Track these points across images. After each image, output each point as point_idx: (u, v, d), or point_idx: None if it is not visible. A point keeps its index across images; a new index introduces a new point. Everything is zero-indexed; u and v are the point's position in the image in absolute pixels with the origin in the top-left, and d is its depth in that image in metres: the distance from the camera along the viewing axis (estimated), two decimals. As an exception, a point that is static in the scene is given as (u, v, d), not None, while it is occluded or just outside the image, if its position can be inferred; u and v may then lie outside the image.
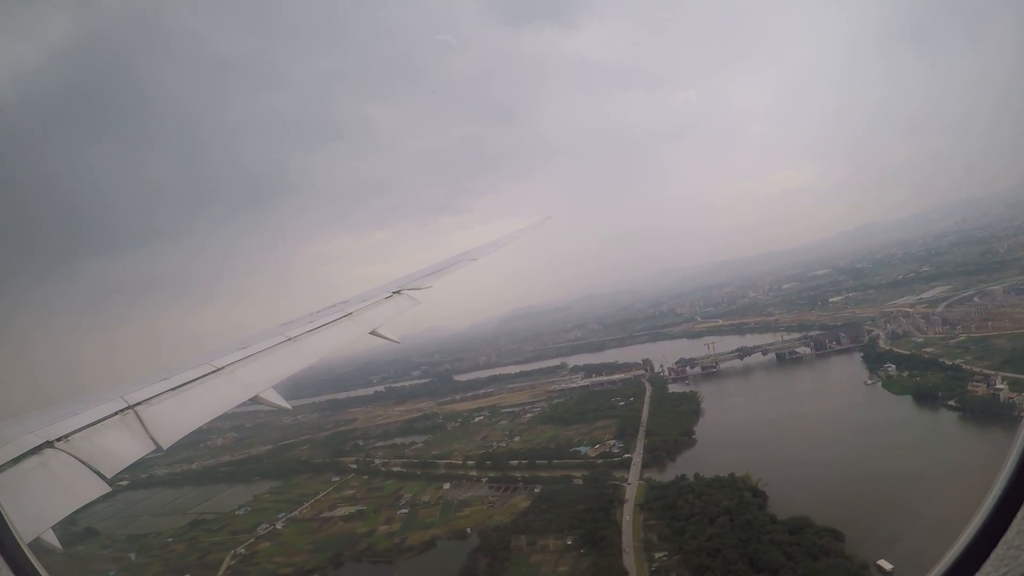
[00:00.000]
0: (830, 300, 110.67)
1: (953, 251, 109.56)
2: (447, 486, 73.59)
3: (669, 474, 61.47)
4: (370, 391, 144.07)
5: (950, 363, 69.81)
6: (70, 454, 4.42)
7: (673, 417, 75.02)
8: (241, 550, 70.62)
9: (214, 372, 6.78)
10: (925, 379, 68.24)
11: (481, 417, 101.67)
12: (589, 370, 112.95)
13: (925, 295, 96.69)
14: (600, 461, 68.93)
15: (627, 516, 55.35)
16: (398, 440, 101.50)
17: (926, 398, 64.49)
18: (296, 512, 78.61)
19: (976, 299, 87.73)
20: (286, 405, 6.93)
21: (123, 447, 4.99)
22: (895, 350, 77.30)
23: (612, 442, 73.19)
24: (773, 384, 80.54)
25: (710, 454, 62.33)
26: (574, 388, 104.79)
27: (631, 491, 60.17)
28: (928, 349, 76.16)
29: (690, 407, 77.29)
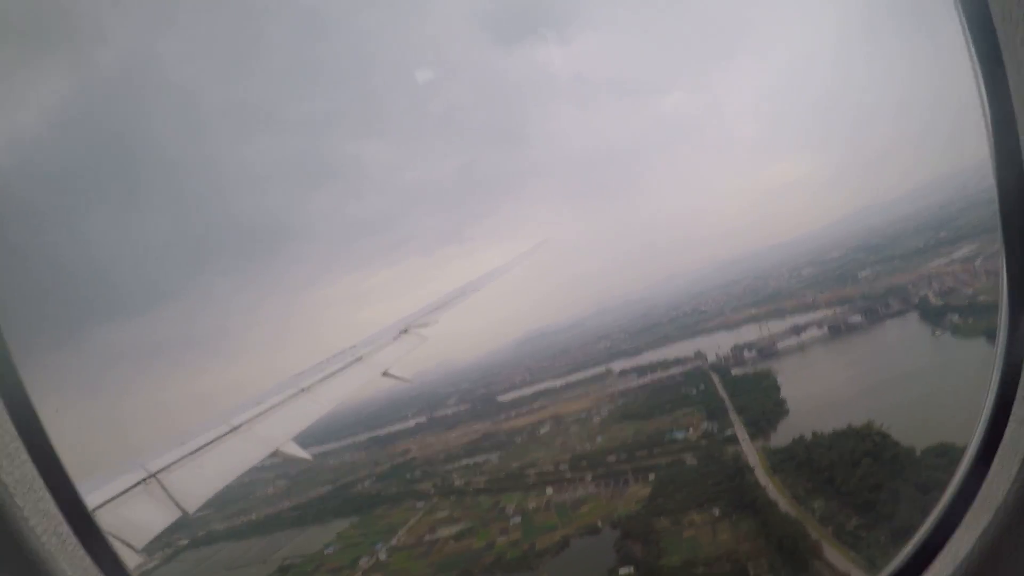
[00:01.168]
0: (859, 275, 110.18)
1: (964, 215, 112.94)
2: (550, 491, 72.77)
3: (778, 441, 62.29)
4: (410, 424, 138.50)
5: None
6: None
7: (755, 394, 75.15)
8: None
9: (231, 431, 7.08)
10: (991, 321, 69.56)
11: (547, 428, 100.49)
12: (639, 371, 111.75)
13: (955, 255, 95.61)
14: (703, 442, 69.05)
15: (762, 480, 56.60)
16: (466, 461, 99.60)
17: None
18: (394, 541, 76.14)
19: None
20: (306, 456, 7.33)
21: (150, 516, 5.13)
22: (951, 303, 78.54)
23: (705, 424, 73.12)
24: (838, 352, 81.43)
25: (809, 418, 62.12)
26: (634, 388, 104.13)
27: (752, 460, 60.47)
28: (982, 297, 75.16)
29: (767, 383, 77.46)
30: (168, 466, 5.83)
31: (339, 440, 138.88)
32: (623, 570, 50.65)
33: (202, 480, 5.90)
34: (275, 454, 6.98)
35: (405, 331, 11.32)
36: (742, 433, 65.76)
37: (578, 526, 61.41)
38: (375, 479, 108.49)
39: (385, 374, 9.66)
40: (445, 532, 72.00)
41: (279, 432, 7.36)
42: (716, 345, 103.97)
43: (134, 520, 4.77)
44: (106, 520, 4.55)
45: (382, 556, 71.76)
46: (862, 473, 49.18)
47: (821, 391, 68.78)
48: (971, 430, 2.92)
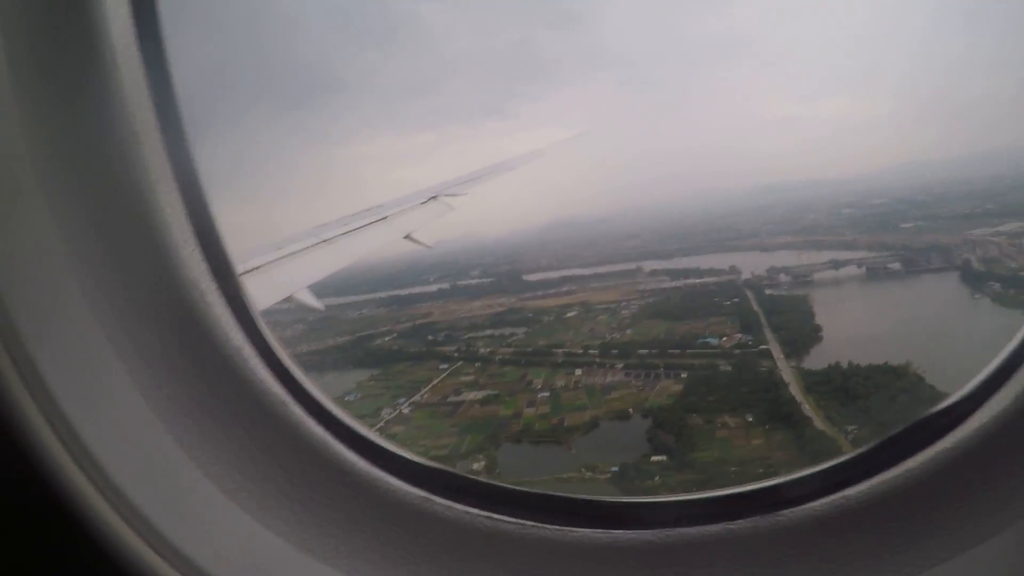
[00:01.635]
0: (900, 226, 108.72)
1: (1014, 193, 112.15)
2: (579, 372, 73.52)
3: (812, 364, 62.70)
4: (432, 288, 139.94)
5: (1061, 283, 70.41)
6: None
7: (790, 315, 76.30)
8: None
9: (248, 272, 7.22)
10: None
11: (575, 312, 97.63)
12: (671, 274, 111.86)
13: (1002, 228, 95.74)
14: (737, 351, 70.54)
15: (797, 397, 59.10)
16: (491, 331, 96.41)
17: (1042, 307, 66.67)
18: (418, 397, 73.43)
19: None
20: (319, 306, 7.67)
21: None
22: (994, 271, 78.98)
23: (739, 336, 74.31)
24: (875, 295, 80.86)
25: (843, 349, 63.51)
26: (666, 288, 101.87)
27: (787, 377, 61.43)
28: None
29: (803, 307, 78.20)
30: None
31: (358, 294, 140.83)
32: (656, 457, 52.77)
33: None
34: (288, 300, 7.37)
35: (434, 198, 11.86)
36: (776, 351, 66.75)
37: (608, 410, 63.28)
38: (396, 336, 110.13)
39: (407, 237, 10.13)
40: (470, 396, 71.88)
41: (295, 279, 7.73)
42: (750, 264, 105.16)
43: None
44: None
45: (405, 411, 70.44)
46: (898, 408, 51.44)
47: (855, 326, 70.20)
48: None
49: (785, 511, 2.70)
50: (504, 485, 2.84)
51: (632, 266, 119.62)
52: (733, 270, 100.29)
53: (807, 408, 55.08)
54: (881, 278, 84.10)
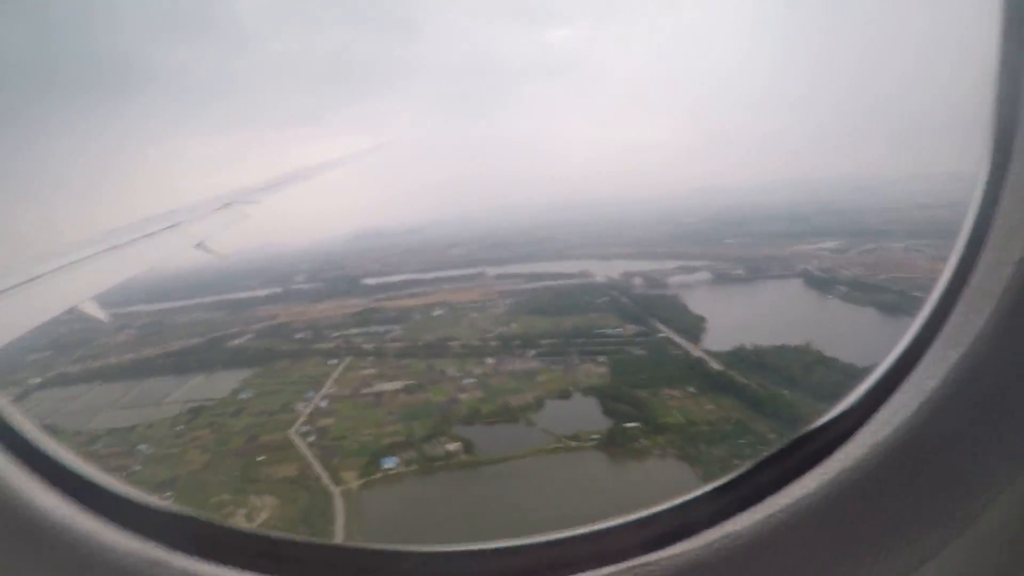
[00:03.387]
0: (724, 241, 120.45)
1: (818, 216, 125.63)
2: (491, 360, 76.45)
3: (717, 348, 69.99)
4: (260, 293, 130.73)
5: (896, 289, 77.66)
6: None
7: (669, 310, 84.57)
8: (300, 428, 64.78)
9: (30, 281, 6.78)
10: (881, 297, 76.59)
11: (441, 312, 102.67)
12: (524, 278, 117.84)
13: (824, 245, 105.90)
14: (640, 339, 76.64)
15: (720, 370, 64.37)
16: (359, 329, 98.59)
17: (889, 308, 73.38)
18: (327, 390, 74.63)
19: (879, 252, 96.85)
20: (103, 317, 7.22)
21: None
22: (836, 278, 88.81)
23: (631, 326, 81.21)
24: (734, 296, 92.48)
25: (734, 335, 71.20)
26: (525, 289, 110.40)
27: (701, 356, 68.91)
28: (866, 280, 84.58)
29: (678, 304, 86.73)
30: None
31: (175, 301, 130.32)
32: (629, 424, 56.88)
33: None
34: (72, 311, 6.81)
35: (228, 205, 11.40)
36: (677, 337, 74.79)
37: (544, 391, 65.97)
38: (254, 336, 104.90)
39: (199, 246, 9.69)
40: (387, 386, 72.81)
41: (82, 288, 7.22)
42: (592, 270, 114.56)
43: None
44: None
45: (321, 404, 71.20)
46: (819, 377, 60.13)
47: (731, 319, 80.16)
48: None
49: (664, 551, 2.42)
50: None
51: (474, 271, 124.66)
52: (585, 273, 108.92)
53: (738, 378, 62.25)
54: (729, 282, 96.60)
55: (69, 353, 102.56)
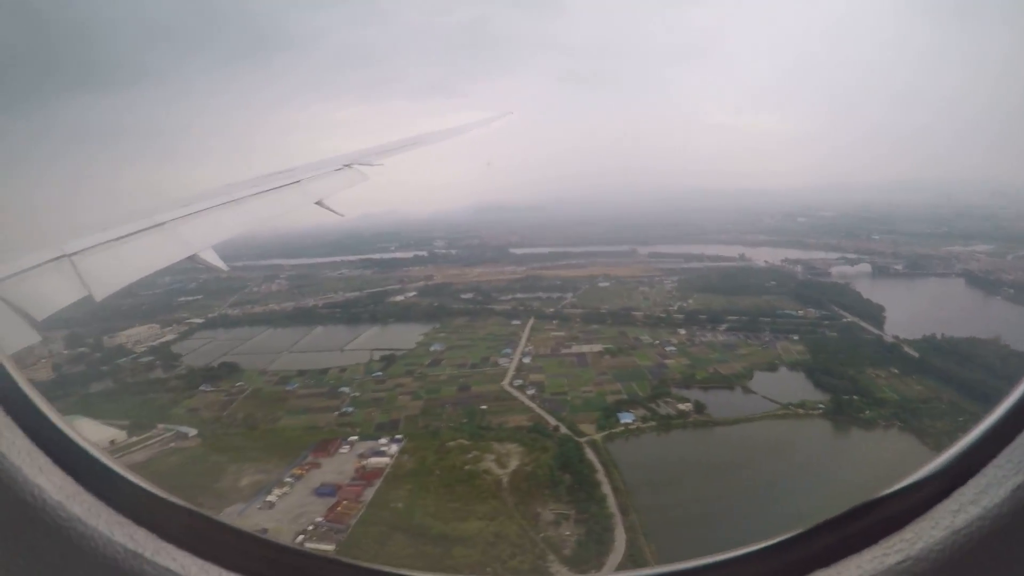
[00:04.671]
0: (872, 237, 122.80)
1: (959, 220, 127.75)
2: (683, 331, 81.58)
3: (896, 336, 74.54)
4: (407, 255, 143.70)
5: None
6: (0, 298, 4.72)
7: (845, 298, 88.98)
8: (514, 381, 69.60)
9: (154, 227, 7.17)
10: None
11: (607, 284, 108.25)
12: (676, 257, 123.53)
13: (977, 248, 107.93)
14: (826, 322, 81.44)
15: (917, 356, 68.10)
16: (527, 295, 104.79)
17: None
18: (524, 348, 79.71)
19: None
20: (223, 266, 7.58)
21: (54, 293, 5.33)
22: (999, 279, 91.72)
23: (811, 309, 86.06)
24: (899, 288, 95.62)
25: (919, 327, 74.73)
26: (688, 268, 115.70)
27: (891, 341, 73.22)
28: None
29: (851, 292, 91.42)
30: (84, 249, 6.03)
31: (313, 257, 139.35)
32: (852, 397, 61.58)
33: (116, 269, 6.15)
34: (193, 259, 7.16)
35: (348, 166, 11.57)
36: (863, 323, 79.59)
37: (750, 362, 71.19)
38: (417, 294, 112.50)
39: (318, 203, 9.92)
40: (585, 348, 77.84)
41: (201, 238, 7.56)
42: (746, 254, 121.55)
43: (38, 294, 5.10)
44: (9, 291, 4.85)
45: (525, 360, 76.05)
46: (1014, 368, 63.40)
47: (909, 311, 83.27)
48: None
49: None
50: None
51: (626, 247, 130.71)
52: (744, 258, 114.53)
53: (936, 362, 66.35)
54: (890, 276, 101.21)
55: (222, 298, 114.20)
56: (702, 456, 54.33)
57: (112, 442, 64.96)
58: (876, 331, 78.04)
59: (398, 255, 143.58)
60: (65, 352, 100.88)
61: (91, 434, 69.85)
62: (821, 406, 60.81)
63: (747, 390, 65.94)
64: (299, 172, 10.74)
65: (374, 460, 54.81)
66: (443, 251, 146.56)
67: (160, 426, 68.32)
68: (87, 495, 2.19)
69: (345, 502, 49.29)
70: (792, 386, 65.94)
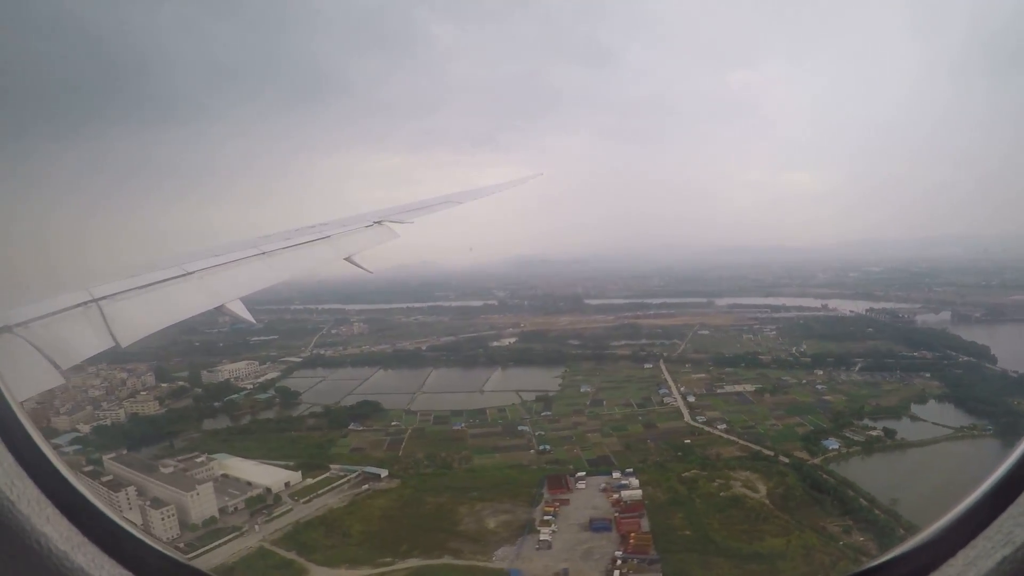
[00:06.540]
0: (934, 288, 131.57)
1: (1008, 272, 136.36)
2: (819, 372, 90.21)
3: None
4: (477, 303, 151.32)
5: None
6: (28, 341, 4.67)
7: (947, 341, 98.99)
8: (697, 418, 75.58)
9: (183, 276, 7.26)
10: None
11: (707, 332, 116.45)
12: (759, 307, 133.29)
13: None
14: (945, 362, 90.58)
15: None
16: (632, 341, 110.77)
17: None
18: (679, 389, 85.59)
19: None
20: (251, 319, 7.51)
21: (81, 340, 5.32)
22: None
23: (924, 351, 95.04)
24: (987, 332, 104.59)
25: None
26: (776, 318, 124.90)
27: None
28: None
29: (950, 335, 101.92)
30: (113, 295, 6.11)
31: (376, 303, 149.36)
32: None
33: (142, 317, 6.15)
34: (219, 309, 7.22)
35: (379, 223, 11.74)
36: (978, 361, 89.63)
37: (900, 397, 79.36)
38: (518, 339, 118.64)
39: (347, 259, 10.03)
40: (736, 388, 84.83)
41: (230, 288, 7.69)
42: (829, 304, 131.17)
43: (65, 340, 5.09)
44: (38, 335, 4.85)
45: (690, 399, 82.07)
46: None
47: (1012, 350, 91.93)
48: None
49: None
50: None
51: (703, 299, 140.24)
52: (828, 308, 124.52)
53: None
54: (972, 323, 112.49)
55: (298, 338, 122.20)
56: (918, 469, 61.05)
57: (287, 484, 70.20)
58: (994, 367, 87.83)
59: (469, 303, 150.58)
60: (164, 386, 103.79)
61: (262, 477, 71.87)
62: (989, 428, 69.18)
63: (915, 418, 73.92)
64: (330, 228, 11.22)
65: (627, 493, 57.87)
66: (512, 301, 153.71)
67: (334, 466, 72.10)
68: (91, 546, 2.33)
69: (633, 534, 51.19)
70: (948, 414, 74.41)
